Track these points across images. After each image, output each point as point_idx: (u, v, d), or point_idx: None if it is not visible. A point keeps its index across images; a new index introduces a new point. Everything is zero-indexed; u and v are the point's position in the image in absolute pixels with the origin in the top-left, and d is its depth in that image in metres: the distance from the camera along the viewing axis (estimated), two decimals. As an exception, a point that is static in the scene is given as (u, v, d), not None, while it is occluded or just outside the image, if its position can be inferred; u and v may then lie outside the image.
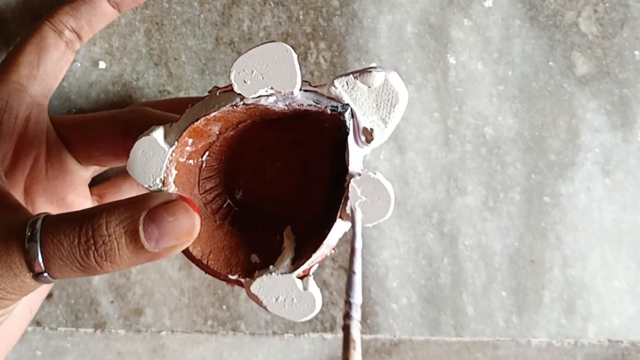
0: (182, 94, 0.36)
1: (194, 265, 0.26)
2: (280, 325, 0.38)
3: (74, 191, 0.32)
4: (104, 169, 0.34)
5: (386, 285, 0.37)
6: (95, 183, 0.35)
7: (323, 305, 0.37)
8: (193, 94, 0.36)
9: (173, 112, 0.30)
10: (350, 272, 0.23)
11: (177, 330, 0.38)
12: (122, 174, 0.36)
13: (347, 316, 0.22)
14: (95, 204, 0.34)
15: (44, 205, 0.31)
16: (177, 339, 0.38)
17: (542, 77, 0.36)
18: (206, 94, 0.25)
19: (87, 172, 0.33)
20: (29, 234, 0.22)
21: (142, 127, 0.26)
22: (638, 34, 0.36)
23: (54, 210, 0.31)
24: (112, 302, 0.37)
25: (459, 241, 0.37)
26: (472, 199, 0.37)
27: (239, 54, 0.33)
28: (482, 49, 0.36)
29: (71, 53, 0.32)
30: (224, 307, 0.38)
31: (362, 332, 0.38)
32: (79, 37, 0.32)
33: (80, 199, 0.32)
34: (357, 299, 0.22)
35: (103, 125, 0.31)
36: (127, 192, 0.35)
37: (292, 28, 0.36)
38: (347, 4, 0.36)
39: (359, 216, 0.24)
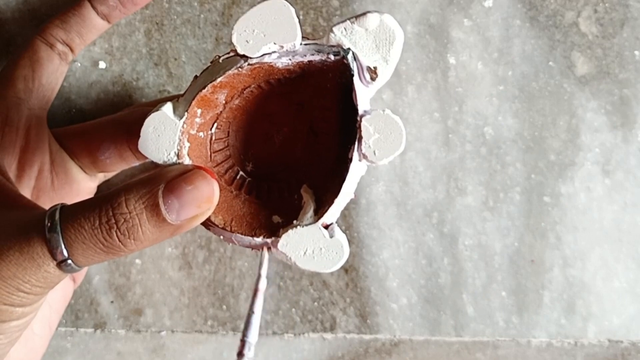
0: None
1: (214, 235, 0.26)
2: (280, 325, 0.38)
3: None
4: (109, 175, 0.34)
5: (386, 285, 0.37)
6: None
7: (323, 305, 0.37)
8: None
9: None
10: (249, 311, 0.23)
11: (177, 330, 0.38)
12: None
13: (240, 354, 0.22)
14: None
15: None
16: (177, 339, 0.38)
17: (542, 77, 0.36)
18: (208, 64, 0.25)
19: (93, 182, 0.33)
20: (49, 224, 0.22)
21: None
22: (638, 34, 0.36)
23: None
24: (112, 302, 0.37)
25: (459, 241, 0.37)
26: (472, 199, 0.37)
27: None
28: (482, 49, 0.36)
29: (65, 65, 0.33)
30: (224, 307, 0.38)
31: (362, 332, 0.38)
32: (71, 49, 0.32)
33: None
34: (252, 337, 0.22)
35: (106, 129, 0.31)
36: None
37: (292, 28, 0.36)
38: (347, 4, 0.36)
39: (265, 258, 0.25)
